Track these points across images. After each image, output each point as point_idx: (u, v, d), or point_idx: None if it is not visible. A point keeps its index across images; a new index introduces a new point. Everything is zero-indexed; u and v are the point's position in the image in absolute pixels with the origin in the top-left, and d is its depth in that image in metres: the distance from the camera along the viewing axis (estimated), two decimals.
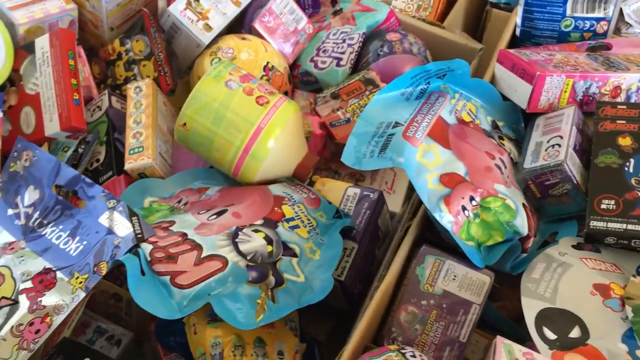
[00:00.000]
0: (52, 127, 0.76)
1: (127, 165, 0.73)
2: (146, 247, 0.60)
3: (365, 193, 0.74)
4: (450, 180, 0.60)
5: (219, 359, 0.56)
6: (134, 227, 0.60)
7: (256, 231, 0.62)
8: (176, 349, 0.62)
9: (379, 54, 0.86)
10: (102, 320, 0.72)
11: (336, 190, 0.76)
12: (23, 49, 0.80)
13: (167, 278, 0.58)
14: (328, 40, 0.90)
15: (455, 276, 0.60)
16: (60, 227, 0.62)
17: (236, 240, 0.60)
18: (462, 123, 0.67)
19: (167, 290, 0.57)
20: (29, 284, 0.57)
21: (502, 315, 0.64)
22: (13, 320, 0.56)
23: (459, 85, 0.71)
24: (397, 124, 0.63)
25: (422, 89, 0.68)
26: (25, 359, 0.54)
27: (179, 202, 0.70)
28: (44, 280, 0.57)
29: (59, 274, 0.58)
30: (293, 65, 0.90)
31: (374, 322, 0.59)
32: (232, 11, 0.84)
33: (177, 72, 0.83)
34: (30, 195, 0.64)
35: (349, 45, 0.88)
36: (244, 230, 0.61)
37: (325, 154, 0.83)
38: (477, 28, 1.06)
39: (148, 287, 0.56)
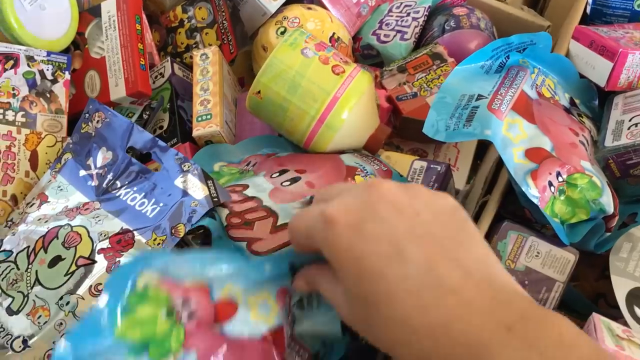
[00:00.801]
0: (117, 91, 0.75)
1: (195, 132, 0.72)
2: (222, 212, 0.59)
3: (432, 166, 0.73)
4: (536, 155, 0.59)
5: None
6: (209, 190, 0.59)
7: None
8: None
9: (445, 29, 0.85)
10: None
11: (402, 163, 0.75)
12: (88, 12, 0.79)
13: (244, 244, 0.57)
14: (391, 13, 0.89)
15: (538, 253, 0.58)
16: (135, 188, 0.61)
17: None
18: (542, 98, 0.65)
19: (243, 255, 0.56)
20: (106, 244, 0.57)
21: (579, 295, 0.63)
22: (91, 280, 0.55)
23: (538, 60, 0.69)
24: (480, 97, 0.61)
25: (501, 63, 0.67)
26: None
27: (247, 164, 0.69)
28: (122, 241, 0.57)
29: (137, 235, 0.57)
30: (354, 39, 0.89)
31: None
32: None
33: (242, 41, 0.81)
34: (102, 156, 0.64)
35: (414, 19, 0.86)
36: None
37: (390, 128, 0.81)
38: (537, 5, 1.04)
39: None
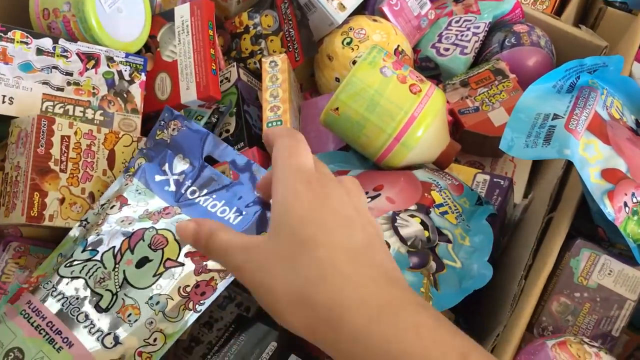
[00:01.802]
0: (188, 95, 0.77)
1: None
2: None
3: (495, 180, 0.74)
4: (612, 176, 0.60)
5: None
6: None
7: (412, 216, 0.62)
8: None
9: (504, 45, 0.86)
10: (230, 287, 0.73)
11: (464, 176, 0.77)
12: (161, 15, 0.80)
13: None
14: (450, 27, 0.90)
15: (611, 271, 0.60)
16: (214, 196, 0.62)
17: (395, 224, 0.61)
18: (613, 119, 0.67)
19: None
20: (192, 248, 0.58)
21: None
22: (180, 281, 0.57)
23: (606, 81, 0.70)
24: (556, 116, 0.63)
25: (571, 83, 0.68)
26: (192, 321, 0.56)
27: None
28: None
29: None
30: (413, 51, 0.91)
31: (531, 309, 0.59)
32: None
33: (307, 49, 0.83)
34: (179, 163, 0.65)
35: (474, 34, 0.87)
36: (400, 215, 0.62)
37: None
38: (586, 21, 1.05)
39: None
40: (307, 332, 0.37)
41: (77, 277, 0.58)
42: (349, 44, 0.82)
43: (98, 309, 0.56)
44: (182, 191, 0.64)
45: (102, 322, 0.55)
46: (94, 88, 0.71)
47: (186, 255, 0.58)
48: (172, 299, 0.56)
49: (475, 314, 0.67)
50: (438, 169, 0.72)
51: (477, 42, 0.87)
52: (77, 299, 0.57)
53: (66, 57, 0.68)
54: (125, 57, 0.73)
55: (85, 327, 0.55)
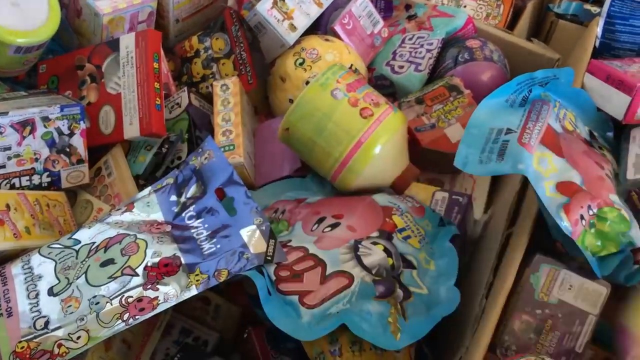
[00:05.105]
0: (131, 130, 0.74)
1: None
2: (270, 265, 0.59)
3: (454, 197, 0.73)
4: (567, 189, 0.59)
5: (339, 355, 0.55)
6: (267, 249, 0.59)
7: (375, 243, 0.61)
8: (286, 353, 0.61)
9: (458, 60, 0.86)
10: (187, 322, 0.71)
11: (423, 194, 0.76)
12: (107, 45, 0.78)
13: (295, 298, 0.56)
14: (404, 44, 0.90)
15: (571, 286, 0.59)
16: (206, 225, 0.62)
17: (358, 253, 0.59)
18: (566, 132, 0.66)
19: (295, 310, 0.56)
20: (155, 263, 0.58)
21: (607, 326, 0.64)
22: (126, 291, 0.56)
23: (558, 93, 0.70)
24: (509, 130, 0.62)
25: (524, 96, 0.68)
26: (118, 331, 0.54)
27: (275, 212, 0.68)
28: (169, 265, 0.58)
29: (183, 265, 0.58)
30: (367, 69, 0.90)
31: (492, 330, 0.58)
32: (315, 12, 0.83)
33: (260, 71, 0.82)
34: (194, 190, 0.65)
35: (428, 51, 0.87)
36: (362, 243, 0.60)
37: None
38: (539, 35, 1.06)
39: (277, 307, 0.55)
40: None
41: (51, 260, 0.60)
42: (301, 64, 0.81)
43: (49, 292, 0.57)
44: (183, 214, 0.63)
45: (45, 304, 0.56)
46: (35, 154, 0.69)
47: (145, 267, 0.57)
48: (111, 304, 0.55)
49: (439, 337, 0.65)
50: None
51: (431, 59, 0.86)
52: (40, 277, 0.58)
53: (1, 132, 0.66)
54: (61, 111, 0.70)
55: (30, 304, 0.56)
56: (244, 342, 0.67)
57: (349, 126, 0.66)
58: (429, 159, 0.80)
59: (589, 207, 0.59)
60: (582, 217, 0.59)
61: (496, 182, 0.84)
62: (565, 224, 0.58)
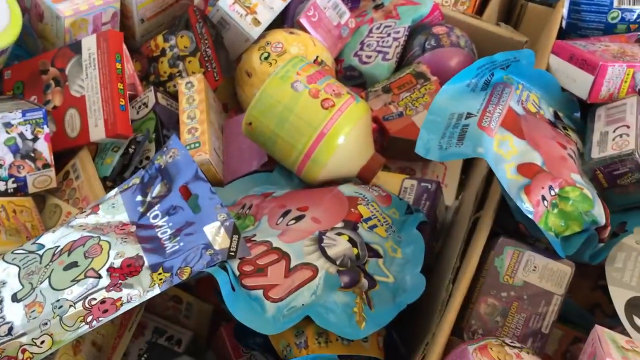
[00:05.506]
0: (97, 132, 0.74)
1: None
2: (233, 261, 0.58)
3: (423, 184, 0.73)
4: (528, 170, 0.59)
5: (304, 347, 0.55)
6: (231, 244, 0.59)
7: (339, 234, 0.60)
8: (255, 348, 0.61)
9: (425, 47, 0.86)
10: (160, 321, 0.71)
11: (392, 183, 0.76)
12: (69, 47, 0.78)
13: (260, 292, 0.56)
14: (371, 34, 0.90)
15: (535, 267, 0.59)
16: (170, 224, 0.61)
17: (322, 245, 0.59)
18: (529, 113, 0.66)
19: (260, 304, 0.56)
20: (117, 264, 0.57)
21: (576, 306, 0.64)
22: (89, 293, 0.56)
23: (521, 76, 0.70)
24: (469, 115, 0.62)
25: (486, 80, 0.68)
26: (82, 334, 0.54)
27: (242, 207, 0.68)
28: (131, 266, 0.57)
29: (146, 265, 0.57)
30: (336, 61, 0.90)
31: (455, 315, 0.58)
32: (279, 5, 0.83)
33: (226, 68, 0.81)
34: (160, 189, 0.64)
35: (395, 39, 0.87)
36: (327, 234, 0.60)
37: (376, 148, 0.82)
38: (510, 20, 1.06)
39: (242, 302, 0.54)
40: None
41: (15, 265, 0.60)
42: (266, 58, 0.80)
43: (13, 298, 0.57)
44: (148, 214, 0.63)
45: (9, 310, 0.56)
46: None
47: (108, 269, 0.57)
48: (75, 308, 0.55)
49: (409, 324, 0.66)
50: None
51: (399, 47, 0.86)
52: (4, 284, 0.58)
53: None
54: (23, 116, 0.70)
55: None
56: (215, 339, 0.67)
57: (310, 118, 0.66)
58: (398, 148, 0.80)
59: (550, 188, 0.59)
60: (543, 198, 0.59)
61: (467, 168, 0.84)
62: (526, 205, 0.58)
